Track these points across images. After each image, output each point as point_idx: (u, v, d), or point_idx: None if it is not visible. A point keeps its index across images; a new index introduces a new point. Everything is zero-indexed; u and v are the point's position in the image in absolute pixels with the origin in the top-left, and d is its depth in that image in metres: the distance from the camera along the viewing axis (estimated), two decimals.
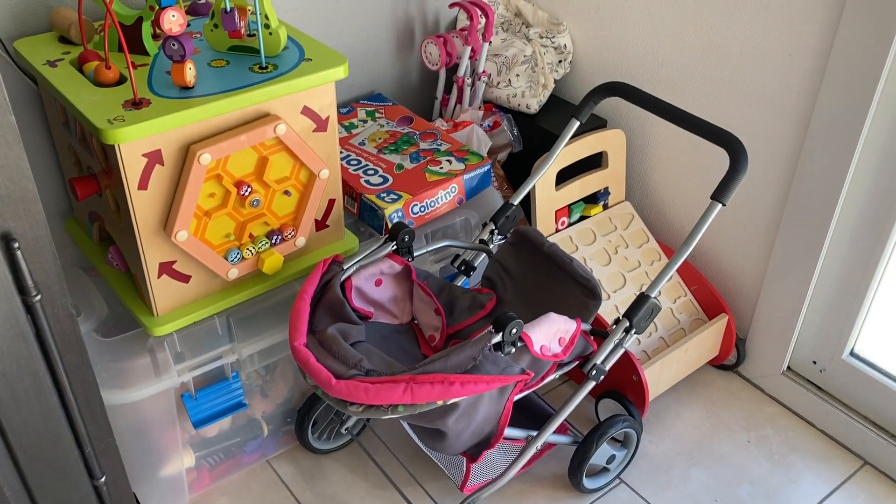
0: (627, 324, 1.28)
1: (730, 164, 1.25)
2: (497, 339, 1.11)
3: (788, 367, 1.67)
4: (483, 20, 1.72)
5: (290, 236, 1.30)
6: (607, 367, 1.30)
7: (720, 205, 1.26)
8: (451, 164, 1.57)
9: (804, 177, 1.47)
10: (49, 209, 1.43)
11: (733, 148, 1.26)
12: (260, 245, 1.26)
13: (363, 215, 1.50)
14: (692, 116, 1.32)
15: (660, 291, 1.29)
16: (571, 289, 1.36)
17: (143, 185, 1.11)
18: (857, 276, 1.50)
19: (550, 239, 1.65)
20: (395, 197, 1.47)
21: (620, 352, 1.30)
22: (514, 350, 1.14)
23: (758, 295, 1.65)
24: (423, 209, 1.50)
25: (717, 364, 1.74)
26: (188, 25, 1.33)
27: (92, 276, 1.38)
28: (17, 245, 0.79)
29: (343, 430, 1.51)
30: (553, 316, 1.21)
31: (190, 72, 1.11)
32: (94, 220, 1.33)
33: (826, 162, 1.43)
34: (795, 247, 1.54)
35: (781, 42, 1.43)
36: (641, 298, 1.28)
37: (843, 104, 1.37)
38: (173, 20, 1.06)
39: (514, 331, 1.12)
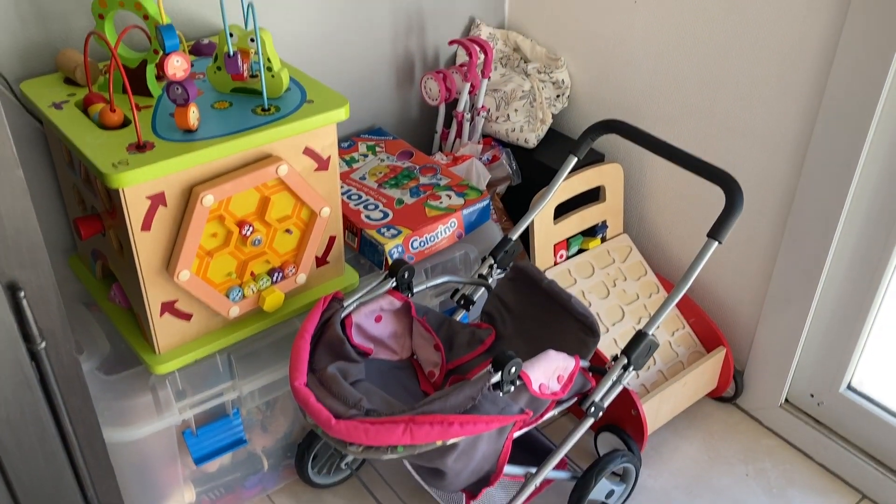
0: (626, 361, 1.29)
1: (725, 203, 1.27)
2: (496, 378, 1.12)
3: (786, 400, 1.68)
4: (482, 57, 1.74)
5: (290, 273, 1.31)
6: (606, 404, 1.31)
7: (716, 242, 1.28)
8: (450, 198, 1.58)
9: (800, 212, 1.49)
10: (52, 245, 1.44)
11: (729, 186, 1.28)
12: (261, 283, 1.28)
13: (363, 250, 1.52)
14: (688, 155, 1.34)
15: (657, 326, 1.30)
16: (570, 325, 1.37)
17: (146, 226, 1.12)
18: (853, 311, 1.52)
19: (549, 272, 1.68)
20: (396, 232, 1.49)
21: (619, 389, 1.31)
22: (512, 389, 1.15)
23: (755, 328, 1.66)
24: (422, 244, 1.52)
25: (716, 396, 1.75)
26: (191, 66, 1.35)
27: (94, 312, 1.39)
28: (22, 294, 0.80)
29: (343, 466, 1.51)
30: (551, 353, 1.22)
31: (193, 115, 1.13)
32: (97, 258, 1.34)
33: (821, 198, 1.44)
34: (792, 281, 1.55)
35: (776, 80, 1.45)
36: (639, 336, 1.29)
37: (837, 142, 1.39)
38: (177, 66, 1.08)
39: (513, 370, 1.13)
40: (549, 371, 1.21)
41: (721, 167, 1.34)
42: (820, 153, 1.42)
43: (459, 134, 1.82)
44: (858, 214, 1.44)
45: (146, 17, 1.16)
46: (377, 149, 1.74)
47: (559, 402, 1.28)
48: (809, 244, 1.49)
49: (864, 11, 1.28)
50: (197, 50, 1.38)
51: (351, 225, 1.52)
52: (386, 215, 1.53)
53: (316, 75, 1.65)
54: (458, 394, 1.09)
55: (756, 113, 1.51)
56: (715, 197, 1.28)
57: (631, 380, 1.60)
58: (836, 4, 1.33)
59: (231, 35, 1.20)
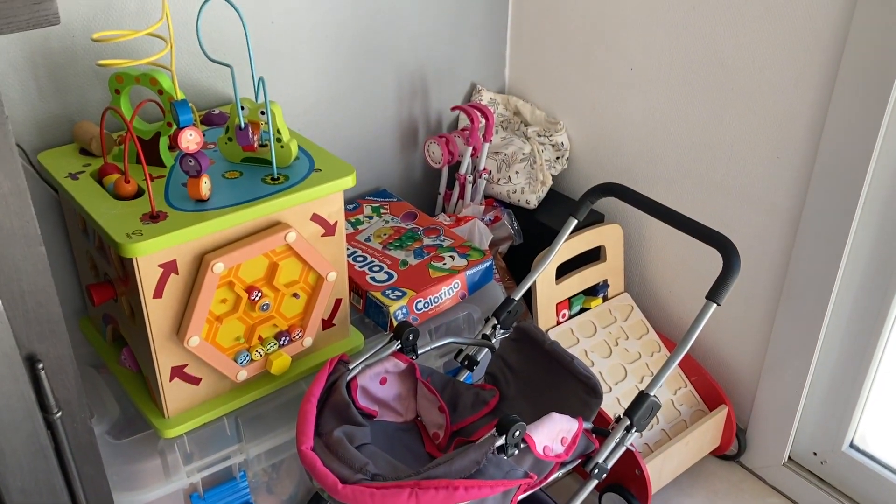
0: (628, 422, 1.30)
1: (723, 265, 1.30)
2: (500, 441, 1.14)
3: (790, 458, 1.69)
4: (483, 121, 1.79)
5: (297, 337, 1.34)
6: (609, 466, 1.32)
7: (715, 304, 1.30)
8: (453, 259, 1.62)
9: (797, 273, 1.52)
10: (64, 308, 1.46)
11: (726, 249, 1.31)
12: (268, 347, 1.30)
13: (368, 312, 1.54)
14: (685, 218, 1.37)
15: (660, 387, 1.32)
16: (573, 386, 1.39)
17: (158, 293, 1.15)
18: (853, 369, 1.54)
19: (552, 331, 1.70)
20: (400, 294, 1.52)
21: (622, 450, 1.32)
22: (517, 452, 1.17)
23: (756, 386, 1.67)
24: (426, 305, 1.54)
25: (719, 454, 1.76)
26: (203, 135, 1.40)
27: (103, 374, 1.41)
28: (41, 366, 0.83)
29: None
30: (555, 416, 1.24)
31: (205, 185, 1.17)
32: (108, 322, 1.37)
33: (817, 259, 1.47)
34: (791, 340, 1.57)
35: (769, 144, 1.50)
36: (641, 397, 1.31)
37: (831, 204, 1.42)
38: (191, 139, 1.12)
39: (517, 433, 1.15)
40: (553, 433, 1.23)
41: (718, 229, 1.38)
42: (814, 215, 1.45)
43: (462, 195, 1.86)
44: (855, 273, 1.47)
45: (161, 91, 1.21)
46: (382, 210, 1.78)
47: (563, 464, 1.29)
48: (807, 303, 1.52)
49: (853, 80, 1.33)
50: (209, 120, 1.43)
51: (356, 287, 1.55)
52: (391, 277, 1.56)
53: (322, 139, 1.71)
54: (462, 458, 1.11)
55: (751, 176, 1.55)
56: (713, 256, 1.31)
57: (634, 439, 1.61)
58: (823, 74, 1.37)
59: (242, 108, 1.24)
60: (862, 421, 1.59)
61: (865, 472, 1.57)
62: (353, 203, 1.80)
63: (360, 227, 1.73)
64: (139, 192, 1.20)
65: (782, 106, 1.45)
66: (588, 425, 1.32)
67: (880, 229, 1.41)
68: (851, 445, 1.61)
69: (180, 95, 1.21)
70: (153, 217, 1.14)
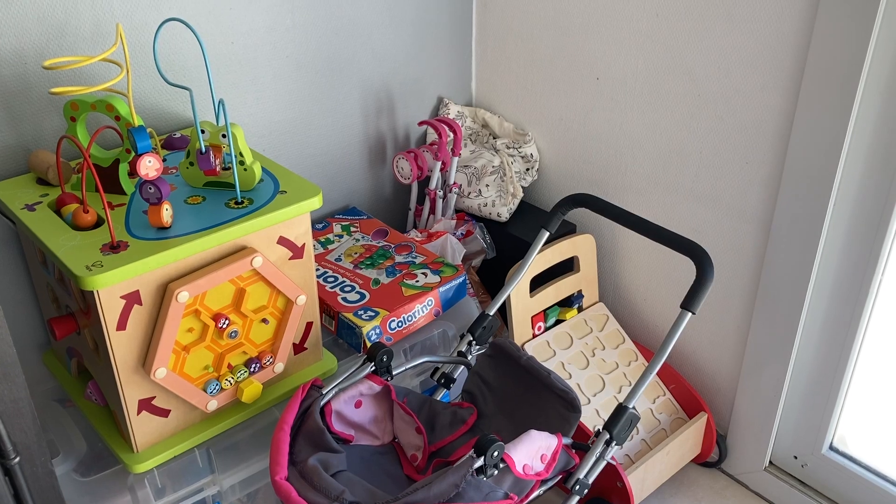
0: (608, 436, 1.29)
1: (696, 274, 1.29)
2: (479, 463, 1.11)
3: (771, 463, 1.68)
4: (451, 135, 1.78)
5: (268, 363, 1.31)
6: (590, 481, 1.30)
7: (690, 313, 1.29)
8: (426, 276, 1.59)
9: (770, 277, 1.51)
10: (27, 342, 1.43)
11: (699, 257, 1.30)
12: (239, 375, 1.27)
13: (341, 333, 1.52)
14: (657, 227, 1.36)
15: (638, 398, 1.31)
16: (551, 401, 1.37)
17: (121, 325, 1.12)
18: (830, 372, 1.53)
19: (528, 345, 1.68)
20: (373, 314, 1.49)
21: (603, 464, 1.30)
22: (496, 472, 1.14)
23: (735, 392, 1.67)
24: (400, 324, 1.52)
25: (701, 462, 1.75)
26: (164, 160, 1.37)
27: (69, 409, 1.37)
28: None
29: None
30: (534, 433, 1.22)
31: (167, 212, 1.14)
32: (72, 356, 1.33)
33: (790, 262, 1.47)
34: (767, 344, 1.57)
35: (738, 149, 1.50)
36: (620, 410, 1.29)
37: (801, 207, 1.42)
38: (150, 166, 1.09)
39: (496, 453, 1.13)
40: (533, 451, 1.21)
41: (690, 236, 1.37)
42: (785, 219, 1.45)
43: (433, 210, 1.84)
44: (828, 275, 1.47)
45: (118, 118, 1.18)
46: (352, 229, 1.76)
47: (544, 482, 1.27)
48: (782, 307, 1.52)
49: (818, 83, 1.33)
50: (169, 144, 1.40)
51: (328, 308, 1.52)
52: (363, 297, 1.54)
53: (288, 159, 1.68)
54: (441, 482, 1.09)
55: (721, 182, 1.55)
56: (687, 262, 1.31)
57: (615, 451, 1.59)
58: (789, 79, 1.37)
59: (203, 132, 1.21)
60: (840, 423, 1.59)
61: (846, 473, 1.57)
62: (322, 222, 1.77)
63: (330, 247, 1.70)
64: (99, 222, 1.17)
65: (749, 111, 1.45)
66: (567, 440, 1.30)
67: (851, 231, 1.41)
68: (831, 448, 1.60)
69: (138, 121, 1.18)
70: (113, 247, 1.10)
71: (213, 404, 1.26)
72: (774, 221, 1.47)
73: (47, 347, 1.46)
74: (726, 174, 1.53)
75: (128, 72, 1.15)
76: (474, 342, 1.49)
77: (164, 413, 1.23)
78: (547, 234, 1.50)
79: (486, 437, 1.12)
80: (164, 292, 1.14)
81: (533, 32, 1.77)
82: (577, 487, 1.29)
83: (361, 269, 1.63)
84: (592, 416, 1.62)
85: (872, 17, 1.23)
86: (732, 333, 1.64)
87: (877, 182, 1.36)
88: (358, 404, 1.33)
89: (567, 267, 1.76)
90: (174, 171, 1.32)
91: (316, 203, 1.26)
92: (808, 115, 1.36)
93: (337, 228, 1.76)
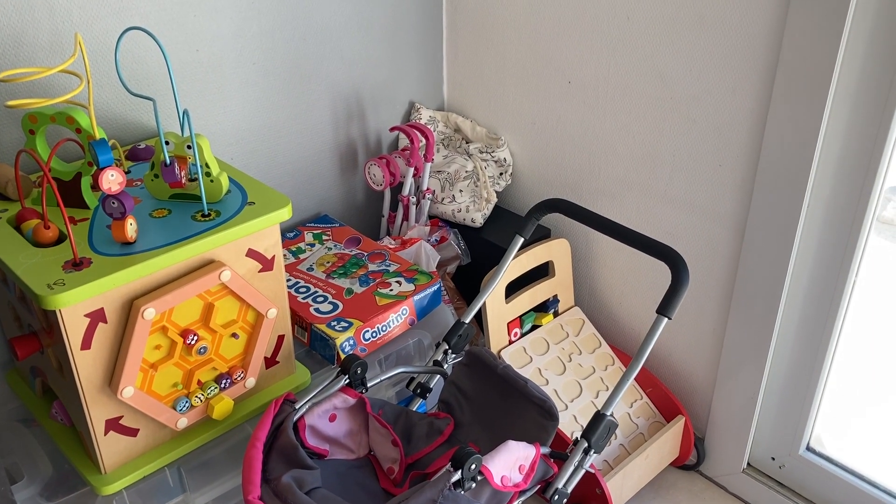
0: (586, 444, 1.27)
1: (672, 279, 1.28)
2: (456, 476, 1.09)
3: (749, 465, 1.68)
4: (423, 141, 1.76)
5: (239, 378, 1.28)
6: (570, 490, 1.28)
7: (666, 319, 1.28)
8: (400, 285, 1.57)
9: (745, 279, 1.51)
10: None
11: (674, 262, 1.29)
12: (209, 391, 1.24)
13: (314, 345, 1.49)
14: (632, 232, 1.35)
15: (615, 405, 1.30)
16: (528, 410, 1.36)
17: (85, 344, 1.08)
18: (806, 373, 1.53)
19: (505, 351, 1.67)
20: (346, 325, 1.47)
21: (581, 473, 1.29)
22: (474, 485, 1.12)
23: (712, 394, 1.66)
24: (374, 335, 1.50)
25: (679, 465, 1.74)
26: (128, 172, 1.33)
27: (34, 429, 1.33)
28: None
29: None
30: (511, 444, 1.20)
31: (131, 227, 1.11)
32: (36, 375, 1.29)
33: (765, 264, 1.47)
34: (743, 346, 1.56)
35: (711, 153, 1.49)
36: (598, 417, 1.28)
37: (775, 209, 1.42)
38: (112, 180, 1.06)
39: (474, 466, 1.11)
40: (511, 462, 1.19)
41: (664, 239, 1.36)
42: (759, 221, 1.45)
43: (406, 217, 1.82)
44: (802, 277, 1.47)
45: (79, 130, 1.14)
46: (324, 237, 1.73)
47: (522, 493, 1.26)
48: (757, 309, 1.51)
49: (789, 85, 1.33)
50: (134, 155, 1.37)
51: (300, 319, 1.50)
52: (336, 307, 1.51)
53: (258, 166, 1.65)
54: (417, 497, 1.06)
55: (695, 185, 1.54)
56: (662, 265, 1.30)
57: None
58: (761, 81, 1.37)
59: (167, 143, 1.18)
60: (817, 423, 1.59)
61: (823, 474, 1.57)
62: (293, 231, 1.74)
63: (301, 256, 1.67)
64: (61, 238, 1.14)
65: (722, 114, 1.45)
66: (546, 450, 1.28)
67: (824, 233, 1.41)
68: (808, 448, 1.61)
69: (100, 133, 1.14)
70: (76, 265, 1.07)
71: (183, 422, 1.23)
72: (748, 224, 1.47)
73: (10, 367, 1.42)
74: (700, 177, 1.53)
75: (88, 83, 1.12)
76: (450, 351, 1.47)
77: (132, 432, 1.20)
78: (521, 239, 1.49)
79: (464, 450, 1.10)
80: (130, 309, 1.10)
81: (504, 36, 1.76)
82: (557, 497, 1.27)
83: (334, 278, 1.60)
84: (570, 422, 1.61)
85: (843, 19, 1.23)
86: (708, 336, 1.63)
87: (850, 183, 1.36)
88: (332, 418, 1.31)
89: (542, 272, 1.74)
90: (139, 183, 1.29)
91: (285, 214, 1.23)
92: (780, 116, 1.35)
93: (308, 237, 1.73)
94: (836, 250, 1.41)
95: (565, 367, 1.70)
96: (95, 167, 1.09)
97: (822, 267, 1.44)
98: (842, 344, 1.50)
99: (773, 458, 1.64)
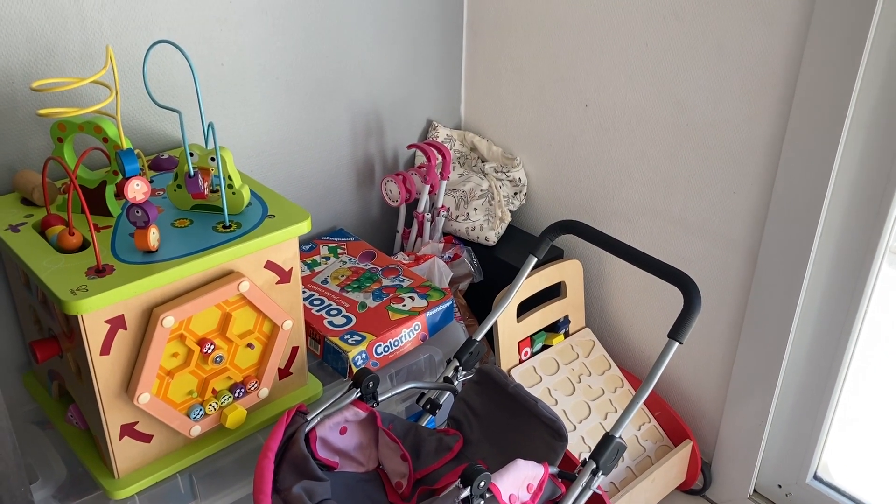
0: (594, 466, 1.28)
1: (684, 303, 1.29)
2: (465, 493, 1.10)
3: (755, 491, 1.68)
4: (440, 159, 1.78)
5: (253, 388, 1.30)
6: None
7: (677, 343, 1.29)
8: (413, 300, 1.59)
9: (757, 306, 1.52)
10: (7, 363, 1.41)
11: (686, 287, 1.30)
12: (223, 400, 1.26)
13: (327, 357, 1.51)
14: (645, 255, 1.36)
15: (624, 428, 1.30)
16: (538, 429, 1.37)
17: (105, 350, 1.10)
18: (815, 401, 1.54)
19: (515, 370, 1.68)
20: (359, 338, 1.48)
21: (589, 494, 1.30)
22: (482, 502, 1.13)
23: (720, 420, 1.67)
24: (386, 349, 1.51)
25: (685, 489, 1.74)
26: (151, 181, 1.35)
27: (48, 431, 1.35)
28: None
29: None
30: (520, 462, 1.21)
31: (153, 236, 1.13)
32: (53, 378, 1.31)
33: (777, 291, 1.48)
34: (753, 372, 1.57)
35: (726, 180, 1.50)
36: (607, 439, 1.29)
37: (788, 237, 1.43)
38: (137, 189, 1.08)
39: (483, 483, 1.12)
40: (519, 481, 1.20)
41: (677, 263, 1.37)
42: (772, 248, 1.46)
43: (421, 233, 1.84)
44: (814, 304, 1.48)
45: (106, 139, 1.17)
46: (339, 251, 1.75)
47: None
48: (768, 336, 1.52)
49: (806, 115, 1.34)
50: (157, 165, 1.39)
51: (314, 332, 1.51)
52: (349, 320, 1.53)
53: (276, 179, 1.68)
54: None
55: (708, 211, 1.55)
56: (673, 288, 1.30)
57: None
58: (777, 110, 1.39)
59: (191, 154, 1.21)
60: (825, 452, 1.59)
61: (829, 503, 1.57)
62: (309, 244, 1.76)
63: (316, 269, 1.69)
64: (84, 244, 1.16)
65: (737, 141, 1.46)
66: (554, 470, 1.29)
67: (837, 261, 1.42)
68: (815, 477, 1.61)
69: (126, 144, 1.17)
70: (99, 271, 1.09)
71: (196, 430, 1.24)
72: (761, 251, 1.48)
73: (28, 369, 1.44)
74: (714, 203, 1.54)
75: (117, 94, 1.14)
76: (461, 368, 1.48)
77: (146, 438, 1.21)
78: (535, 260, 1.50)
79: (473, 467, 1.11)
80: (150, 317, 1.12)
81: (522, 58, 1.78)
82: None
83: (348, 291, 1.62)
84: (578, 443, 1.62)
85: (860, 52, 1.25)
86: (718, 361, 1.64)
87: (863, 214, 1.37)
88: (343, 431, 1.32)
89: (554, 292, 1.76)
90: (161, 192, 1.31)
91: (304, 227, 1.25)
92: (795, 146, 1.37)
93: (324, 250, 1.75)
94: (847, 280, 1.42)
95: (574, 388, 1.70)
96: (121, 176, 1.11)
97: (833, 296, 1.45)
98: (852, 372, 1.51)
99: (780, 486, 1.64)
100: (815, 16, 1.28)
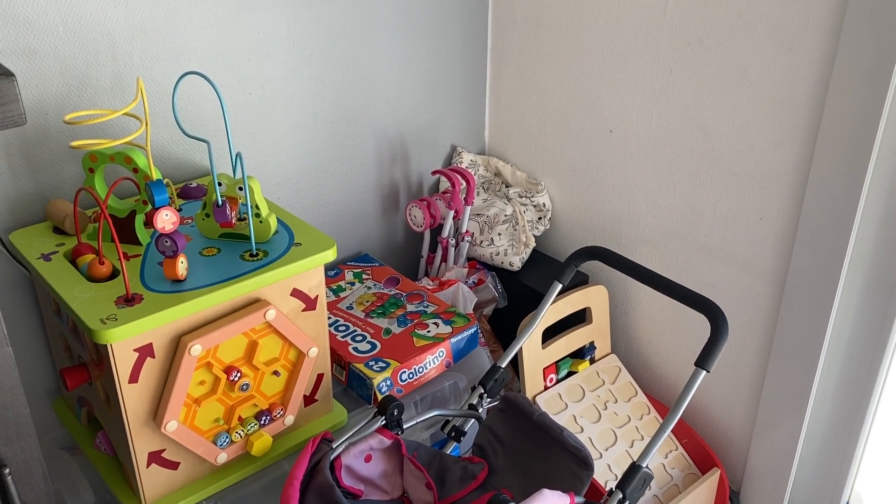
0: (621, 496, 1.27)
1: (711, 332, 1.28)
2: None
3: None
4: (464, 184, 1.78)
5: (278, 416, 1.30)
6: None
7: (704, 372, 1.28)
8: (438, 326, 1.59)
9: (785, 332, 1.50)
10: (37, 389, 1.43)
11: (713, 315, 1.29)
12: (249, 427, 1.26)
13: (352, 384, 1.51)
14: (671, 282, 1.35)
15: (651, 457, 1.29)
16: (563, 458, 1.36)
17: (133, 378, 1.11)
18: (846, 428, 1.51)
19: (540, 397, 1.67)
20: (384, 365, 1.48)
21: None
22: None
23: (748, 448, 1.65)
24: (411, 376, 1.51)
25: None
26: (180, 210, 1.37)
27: (77, 457, 1.36)
28: (7, 471, 0.79)
29: None
30: (546, 492, 1.20)
31: (182, 265, 1.14)
32: (82, 405, 1.33)
33: (805, 318, 1.46)
34: (782, 400, 1.55)
35: (752, 206, 1.49)
36: (633, 469, 1.28)
37: (816, 264, 1.42)
38: (166, 219, 1.10)
39: None
40: None
41: (703, 290, 1.36)
42: (800, 275, 1.45)
43: (445, 258, 1.84)
44: (844, 331, 1.46)
45: (136, 170, 1.19)
46: (364, 276, 1.76)
47: None
48: (796, 363, 1.50)
49: (833, 142, 1.33)
50: (186, 193, 1.41)
51: (339, 358, 1.52)
52: (374, 347, 1.53)
53: (303, 206, 1.69)
54: None
55: (735, 237, 1.54)
56: (700, 315, 1.29)
57: None
58: (804, 136, 1.38)
59: (220, 184, 1.22)
60: (857, 480, 1.56)
61: None
62: (334, 269, 1.77)
63: (341, 294, 1.70)
64: (114, 273, 1.17)
65: (764, 168, 1.45)
66: (580, 500, 1.28)
67: (866, 287, 1.41)
68: None
69: (156, 174, 1.19)
70: (128, 300, 1.10)
71: (222, 457, 1.25)
72: (789, 278, 1.47)
73: (57, 395, 1.45)
74: (740, 230, 1.53)
75: (147, 126, 1.16)
76: (485, 395, 1.48)
77: (173, 466, 1.22)
78: (560, 286, 1.50)
79: (498, 497, 1.11)
80: (178, 345, 1.13)
81: (546, 84, 1.78)
82: None
83: (373, 317, 1.62)
84: (604, 472, 1.60)
85: (888, 78, 1.24)
86: (746, 388, 1.62)
87: (893, 239, 1.35)
88: (368, 458, 1.32)
89: (579, 318, 1.75)
90: (190, 221, 1.33)
91: (330, 255, 1.26)
92: (822, 173, 1.36)
93: (349, 276, 1.76)
94: (878, 307, 1.40)
95: (600, 415, 1.69)
96: (151, 206, 1.13)
97: (863, 322, 1.43)
98: (884, 398, 1.48)
99: None
100: (841, 43, 1.27)
